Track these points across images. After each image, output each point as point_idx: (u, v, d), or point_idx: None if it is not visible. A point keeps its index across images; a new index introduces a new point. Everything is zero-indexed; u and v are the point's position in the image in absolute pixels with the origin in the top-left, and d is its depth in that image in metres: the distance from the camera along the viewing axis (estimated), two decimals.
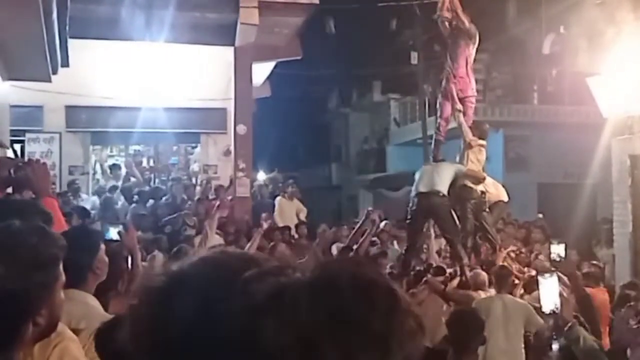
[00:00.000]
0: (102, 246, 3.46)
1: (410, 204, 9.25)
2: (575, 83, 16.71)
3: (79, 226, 3.33)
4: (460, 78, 9.59)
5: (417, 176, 9.38)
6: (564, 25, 19.17)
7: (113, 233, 4.48)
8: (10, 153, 10.31)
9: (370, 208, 10.70)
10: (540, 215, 15.46)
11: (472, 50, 9.67)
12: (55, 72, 9.33)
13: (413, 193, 9.24)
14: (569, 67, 18.41)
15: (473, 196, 9.28)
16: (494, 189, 9.69)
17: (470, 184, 9.28)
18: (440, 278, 8.55)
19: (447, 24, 9.55)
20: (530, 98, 21.98)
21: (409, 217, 9.38)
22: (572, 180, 19.07)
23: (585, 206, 16.58)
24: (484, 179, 9.54)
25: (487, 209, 9.53)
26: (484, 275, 8.16)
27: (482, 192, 9.33)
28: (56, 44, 8.21)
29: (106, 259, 3.50)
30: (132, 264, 4.72)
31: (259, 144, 15.87)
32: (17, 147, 13.45)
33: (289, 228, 12.51)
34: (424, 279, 8.60)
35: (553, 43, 20.59)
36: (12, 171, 3.63)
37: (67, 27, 8.82)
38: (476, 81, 21.80)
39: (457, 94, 9.60)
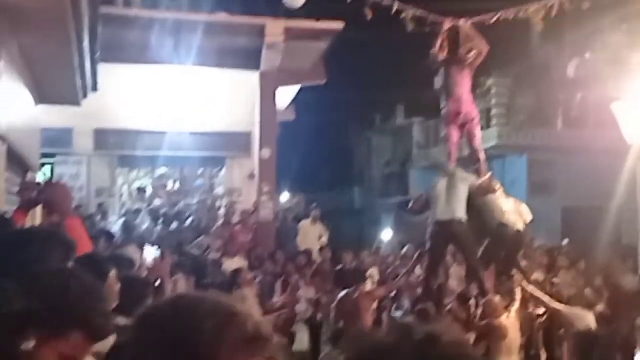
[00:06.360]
0: (112, 273, 3.46)
1: (430, 230, 9.22)
2: (599, 108, 16.67)
3: (87, 255, 3.33)
4: (465, 102, 9.59)
5: (432, 195, 9.33)
6: (588, 50, 19.17)
7: (149, 254, 4.51)
8: (39, 176, 10.49)
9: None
10: (566, 241, 15.35)
11: (469, 73, 9.66)
12: (85, 96, 9.49)
13: (432, 219, 9.21)
14: (593, 92, 18.38)
15: (509, 235, 9.11)
16: (518, 216, 9.53)
17: (508, 224, 9.13)
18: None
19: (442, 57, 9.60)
20: (554, 123, 21.92)
21: (429, 243, 9.34)
22: (597, 204, 18.93)
23: (610, 231, 16.46)
24: (497, 190, 9.40)
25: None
26: (496, 300, 8.15)
27: (519, 231, 9.19)
28: (87, 68, 8.36)
29: (116, 285, 3.50)
30: (159, 290, 4.71)
31: (282, 168, 15.96)
32: (47, 169, 13.66)
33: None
34: (448, 307, 8.60)
35: (578, 68, 20.60)
36: (34, 193, 3.71)
37: (97, 52, 8.99)
38: (499, 105, 21.80)
39: (465, 116, 9.58)
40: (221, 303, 1.34)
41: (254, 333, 1.29)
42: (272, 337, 1.33)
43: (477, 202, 9.24)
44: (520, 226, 9.18)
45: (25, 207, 3.88)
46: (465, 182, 9.18)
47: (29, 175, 8.68)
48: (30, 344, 1.72)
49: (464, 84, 9.55)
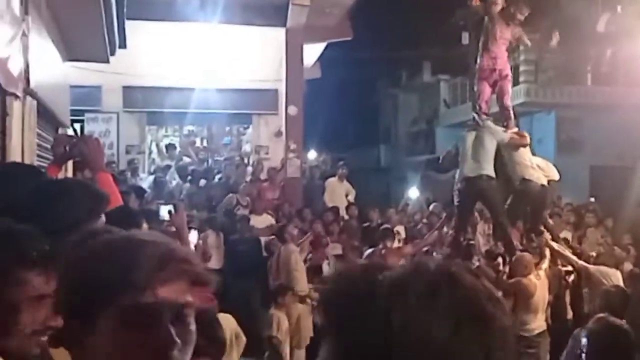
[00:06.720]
0: (145, 226, 3.49)
1: (458, 186, 9.19)
2: (630, 64, 16.40)
3: (120, 207, 3.31)
4: (501, 58, 9.45)
5: (461, 149, 9.29)
6: (619, 4, 18.77)
7: (164, 212, 4.58)
8: (70, 133, 10.59)
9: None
10: (592, 199, 15.24)
11: (511, 32, 9.47)
12: (113, 53, 9.50)
13: (459, 175, 9.17)
14: (624, 47, 18.05)
15: (533, 191, 9.10)
16: (541, 172, 9.47)
17: (531, 179, 9.07)
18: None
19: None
20: (584, 79, 21.60)
21: (457, 200, 9.32)
22: (626, 163, 18.72)
23: (639, 189, 16.29)
24: (526, 144, 9.31)
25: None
26: (528, 257, 8.12)
27: (543, 186, 9.14)
28: (114, 25, 8.37)
29: None
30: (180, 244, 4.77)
31: (308, 125, 15.95)
32: (77, 126, 13.78)
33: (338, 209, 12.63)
34: (476, 265, 8.63)
35: (608, 22, 20.19)
36: (67, 147, 3.74)
37: (125, 9, 8.99)
38: (527, 62, 21.46)
39: (499, 73, 9.46)
40: (133, 233, 1.41)
41: (169, 254, 1.27)
42: (196, 261, 1.31)
43: (504, 156, 9.20)
44: (544, 182, 9.12)
45: (58, 161, 3.91)
46: (494, 136, 9.12)
47: (60, 132, 8.75)
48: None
49: (502, 41, 9.40)
